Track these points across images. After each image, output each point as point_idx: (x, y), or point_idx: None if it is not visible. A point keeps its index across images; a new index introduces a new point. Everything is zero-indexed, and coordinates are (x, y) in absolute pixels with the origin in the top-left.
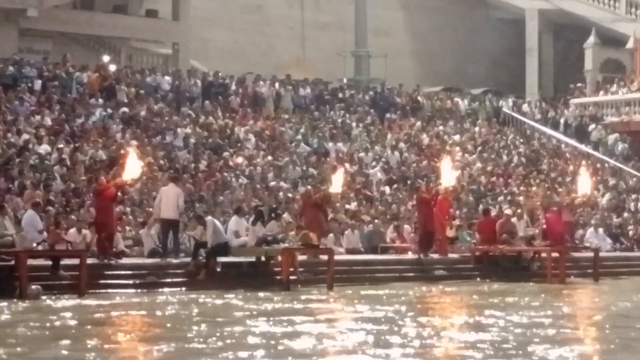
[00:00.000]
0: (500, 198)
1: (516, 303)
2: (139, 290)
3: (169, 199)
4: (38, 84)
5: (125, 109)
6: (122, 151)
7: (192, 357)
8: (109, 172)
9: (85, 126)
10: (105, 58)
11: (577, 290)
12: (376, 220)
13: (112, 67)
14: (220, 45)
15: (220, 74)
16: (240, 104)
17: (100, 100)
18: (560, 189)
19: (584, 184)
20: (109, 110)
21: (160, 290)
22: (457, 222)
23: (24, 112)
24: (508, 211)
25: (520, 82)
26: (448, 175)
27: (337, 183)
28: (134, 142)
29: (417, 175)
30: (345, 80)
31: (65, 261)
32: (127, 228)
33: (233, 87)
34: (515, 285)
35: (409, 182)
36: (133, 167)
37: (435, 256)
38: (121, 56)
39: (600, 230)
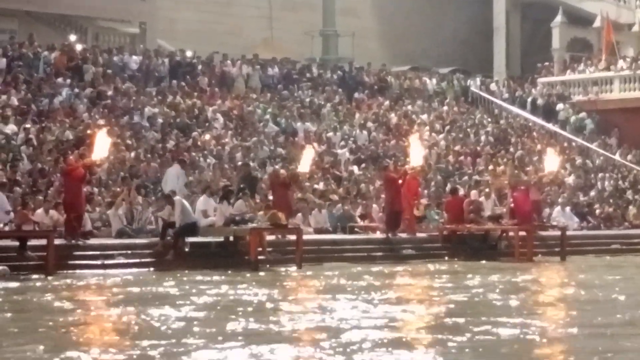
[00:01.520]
0: (465, 178)
1: (478, 280)
2: (107, 271)
3: (168, 179)
4: (3, 63)
5: (92, 89)
6: (89, 131)
7: (152, 339)
8: (77, 152)
9: (52, 106)
10: (72, 37)
11: (540, 268)
12: (344, 200)
13: (79, 47)
14: (188, 25)
15: (188, 53)
16: (208, 84)
17: (67, 80)
18: (528, 168)
19: (551, 162)
20: (76, 90)
21: (128, 270)
22: (425, 201)
23: None
24: (474, 191)
25: (488, 62)
26: (416, 154)
27: (305, 163)
28: (101, 122)
29: (385, 154)
30: (317, 60)
31: (32, 242)
32: (97, 209)
33: (200, 67)
34: (482, 263)
35: (377, 161)
36: (102, 147)
37: (404, 235)
38: (88, 36)
39: (567, 208)
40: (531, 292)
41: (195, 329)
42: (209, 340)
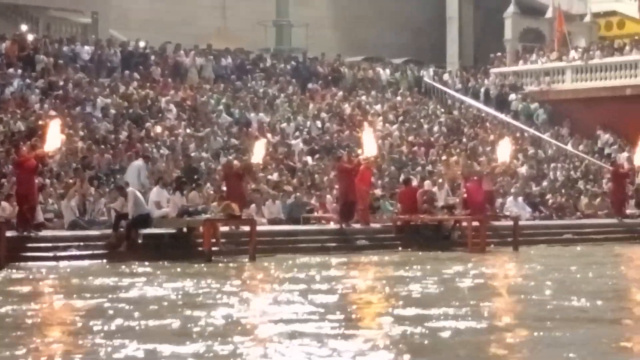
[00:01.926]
0: (419, 168)
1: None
2: (59, 263)
3: (129, 173)
4: None
5: (43, 79)
6: (40, 122)
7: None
8: (29, 143)
9: (3, 96)
10: (23, 27)
11: (492, 258)
12: (298, 191)
13: (30, 37)
14: (141, 15)
15: (141, 43)
16: (161, 74)
17: (19, 71)
18: (480, 159)
19: (504, 152)
20: (28, 81)
21: (80, 262)
22: (378, 191)
23: None
24: (428, 182)
25: (441, 52)
26: (370, 144)
27: (258, 153)
28: (53, 113)
29: (339, 145)
30: (272, 49)
31: None
32: (50, 201)
33: (153, 57)
34: (434, 254)
35: (331, 152)
36: (54, 138)
37: (357, 226)
38: (39, 25)
39: (520, 199)
40: (479, 282)
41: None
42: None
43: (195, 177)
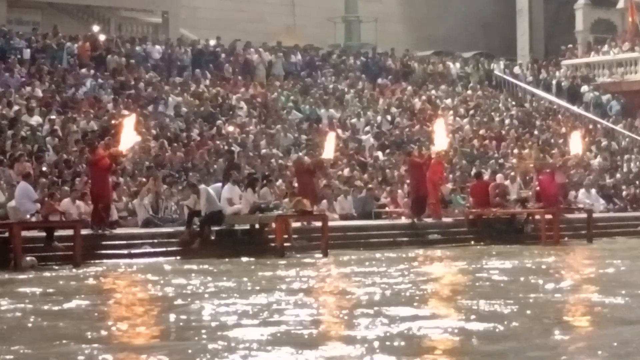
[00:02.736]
0: (491, 162)
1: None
2: (134, 260)
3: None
4: (27, 54)
5: (115, 79)
6: (113, 121)
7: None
8: (104, 142)
9: (76, 97)
10: (95, 28)
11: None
12: (369, 186)
13: (102, 37)
14: (210, 14)
15: (211, 42)
16: (231, 72)
17: (91, 71)
18: (553, 151)
19: (576, 145)
20: (100, 81)
21: (154, 259)
22: (450, 185)
23: (14, 84)
24: (500, 175)
25: (512, 45)
26: (441, 138)
27: (328, 149)
28: (126, 112)
29: (409, 140)
30: (341, 45)
31: (59, 232)
32: (124, 199)
33: (223, 55)
34: (509, 247)
35: (401, 147)
36: (129, 135)
37: (429, 220)
38: (111, 26)
39: (593, 190)
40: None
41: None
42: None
43: (236, 172)
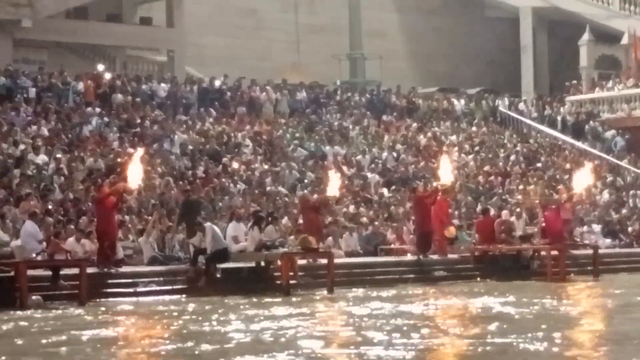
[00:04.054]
0: (496, 198)
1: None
2: (140, 298)
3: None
4: (33, 92)
5: (121, 117)
6: (119, 159)
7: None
8: (109, 180)
9: (82, 135)
10: (100, 67)
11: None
12: (375, 223)
13: (107, 75)
14: (216, 51)
15: (216, 82)
16: (236, 110)
17: (97, 109)
18: (558, 187)
19: (580, 181)
20: (106, 119)
21: (160, 298)
22: (456, 222)
23: (20, 123)
24: (506, 211)
25: (516, 81)
26: (446, 172)
27: (334, 186)
28: (131, 150)
29: (414, 176)
30: (338, 83)
31: (65, 271)
32: (130, 237)
33: (229, 93)
34: (515, 284)
35: (407, 183)
36: (136, 171)
37: (435, 257)
38: (116, 64)
39: (597, 227)
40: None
41: None
42: None
43: (193, 213)
